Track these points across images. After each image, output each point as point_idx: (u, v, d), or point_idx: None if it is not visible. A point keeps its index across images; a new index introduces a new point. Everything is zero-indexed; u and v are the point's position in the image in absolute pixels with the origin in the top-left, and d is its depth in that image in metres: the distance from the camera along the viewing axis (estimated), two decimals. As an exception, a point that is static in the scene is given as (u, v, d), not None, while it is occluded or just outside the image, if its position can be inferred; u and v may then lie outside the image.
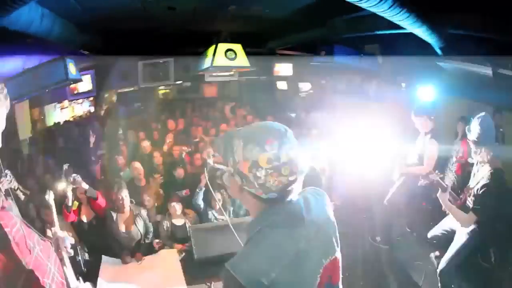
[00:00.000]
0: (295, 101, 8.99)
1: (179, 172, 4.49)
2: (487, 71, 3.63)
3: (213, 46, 4.68)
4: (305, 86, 9.36)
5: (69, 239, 1.65)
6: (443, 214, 3.21)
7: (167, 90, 12.67)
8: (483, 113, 2.70)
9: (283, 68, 6.96)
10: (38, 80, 4.17)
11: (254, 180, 1.02)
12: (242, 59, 4.72)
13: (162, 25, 4.64)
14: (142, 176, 4.30)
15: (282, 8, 4.26)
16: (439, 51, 3.78)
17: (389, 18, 2.86)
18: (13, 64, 4.37)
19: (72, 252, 1.66)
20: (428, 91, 4.44)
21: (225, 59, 4.60)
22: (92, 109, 11.94)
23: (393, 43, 4.86)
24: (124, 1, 3.61)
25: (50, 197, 2.47)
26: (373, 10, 2.53)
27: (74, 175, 3.34)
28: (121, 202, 3.51)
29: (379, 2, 2.27)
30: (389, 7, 2.45)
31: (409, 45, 4.20)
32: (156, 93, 11.43)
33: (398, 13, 2.67)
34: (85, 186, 3.40)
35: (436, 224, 3.29)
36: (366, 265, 3.65)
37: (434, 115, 3.65)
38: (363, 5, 2.31)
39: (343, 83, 7.10)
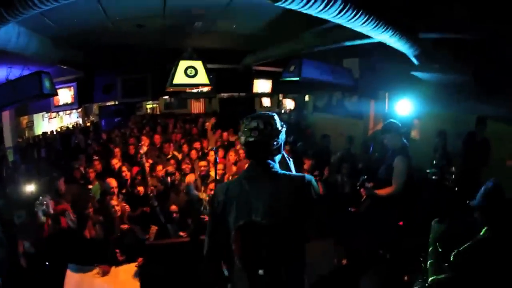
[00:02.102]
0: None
1: (139, 189, 4.45)
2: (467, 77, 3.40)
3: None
4: (289, 103, 9.28)
5: None
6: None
7: (155, 105, 12.67)
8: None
9: (262, 84, 6.80)
10: (15, 93, 4.32)
11: None
12: (202, 77, 4.63)
13: (135, 41, 4.77)
14: (114, 190, 4.10)
15: (252, 22, 4.14)
16: (414, 60, 3.52)
17: (346, 25, 2.56)
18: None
19: None
20: (405, 105, 4.24)
21: (185, 76, 4.55)
22: (80, 120, 12.91)
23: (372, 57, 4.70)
24: (95, 18, 3.67)
25: None
26: (322, 16, 2.25)
27: (46, 199, 3.56)
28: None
29: (326, 6, 2.02)
30: (339, 12, 2.15)
31: (389, 58, 3.99)
32: (143, 106, 11.52)
33: (352, 18, 2.40)
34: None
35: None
36: None
37: (401, 132, 3.36)
38: (311, 11, 2.07)
39: (323, 100, 6.93)
